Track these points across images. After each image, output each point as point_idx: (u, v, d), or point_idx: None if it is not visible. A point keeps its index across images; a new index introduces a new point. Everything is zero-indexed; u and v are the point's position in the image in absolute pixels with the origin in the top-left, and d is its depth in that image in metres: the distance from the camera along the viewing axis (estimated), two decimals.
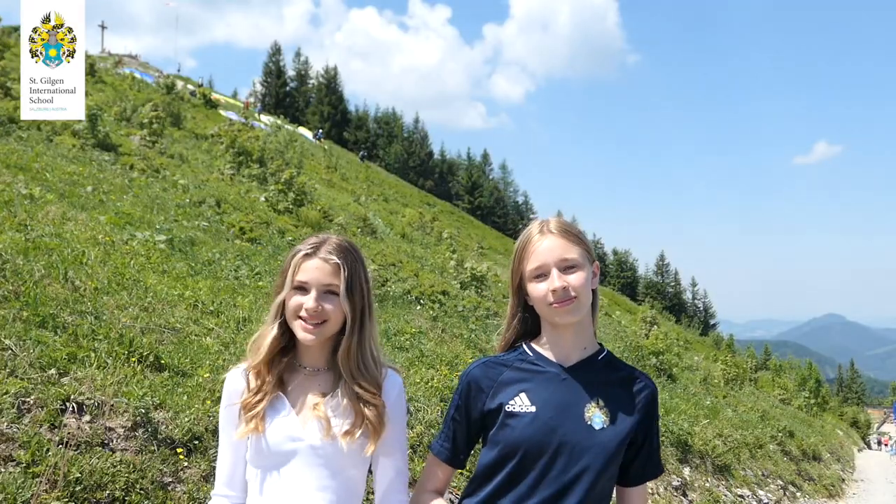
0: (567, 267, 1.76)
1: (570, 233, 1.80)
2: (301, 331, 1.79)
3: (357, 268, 1.82)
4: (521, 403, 1.78)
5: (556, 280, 1.74)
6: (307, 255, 1.79)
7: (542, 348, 1.86)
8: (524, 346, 1.89)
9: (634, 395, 1.84)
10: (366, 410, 1.80)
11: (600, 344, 1.90)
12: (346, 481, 1.83)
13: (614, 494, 1.90)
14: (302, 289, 1.79)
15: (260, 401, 1.79)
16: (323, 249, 1.80)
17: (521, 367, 1.84)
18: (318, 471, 1.79)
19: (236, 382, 1.87)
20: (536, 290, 1.77)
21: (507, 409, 1.78)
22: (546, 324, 1.85)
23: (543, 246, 1.78)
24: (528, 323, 1.91)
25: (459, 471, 2.02)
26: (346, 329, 1.82)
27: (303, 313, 1.77)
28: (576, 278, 1.75)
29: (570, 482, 1.72)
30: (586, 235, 1.86)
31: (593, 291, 1.84)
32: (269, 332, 1.84)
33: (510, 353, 1.90)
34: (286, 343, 1.87)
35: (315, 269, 1.78)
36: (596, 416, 1.77)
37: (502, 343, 1.94)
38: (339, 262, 1.78)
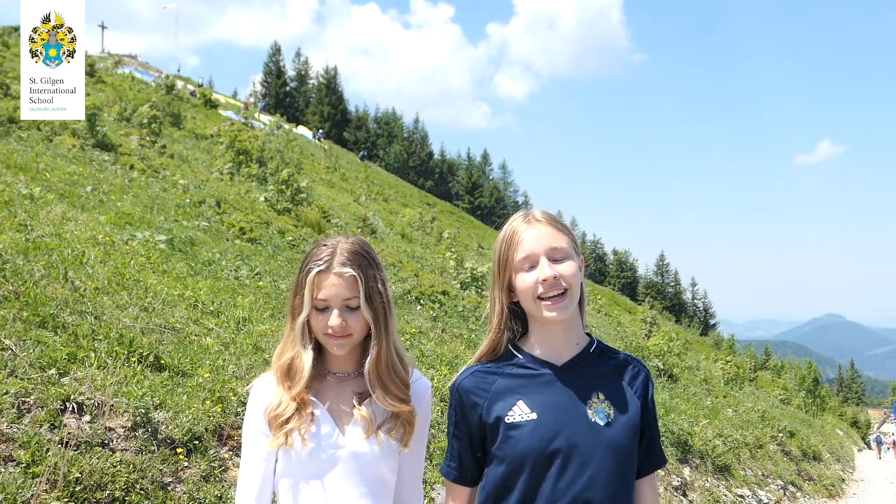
0: (557, 258, 1.67)
1: (558, 221, 1.72)
2: (334, 347, 1.78)
3: (372, 273, 1.77)
4: (520, 412, 1.68)
5: (546, 268, 1.64)
6: (322, 272, 1.74)
7: (532, 349, 1.76)
8: (511, 348, 1.79)
9: (631, 380, 1.77)
10: (401, 410, 1.80)
11: (589, 335, 1.81)
12: (383, 486, 1.81)
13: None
14: (323, 307, 1.76)
15: (296, 411, 1.75)
16: (336, 262, 1.74)
17: (513, 374, 1.74)
18: (357, 478, 1.77)
19: (268, 392, 1.81)
20: (524, 281, 1.67)
21: (506, 421, 1.68)
22: (535, 322, 1.75)
23: (531, 235, 1.69)
24: (516, 324, 1.81)
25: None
26: (372, 336, 1.79)
27: (329, 331, 1.76)
28: (566, 268, 1.66)
29: (586, 486, 1.63)
30: (571, 229, 1.78)
31: (580, 285, 1.75)
32: (305, 356, 1.79)
33: (498, 358, 1.79)
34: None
35: (332, 286, 1.73)
36: (599, 410, 1.68)
37: (488, 347, 1.81)
38: (354, 273, 1.74)
